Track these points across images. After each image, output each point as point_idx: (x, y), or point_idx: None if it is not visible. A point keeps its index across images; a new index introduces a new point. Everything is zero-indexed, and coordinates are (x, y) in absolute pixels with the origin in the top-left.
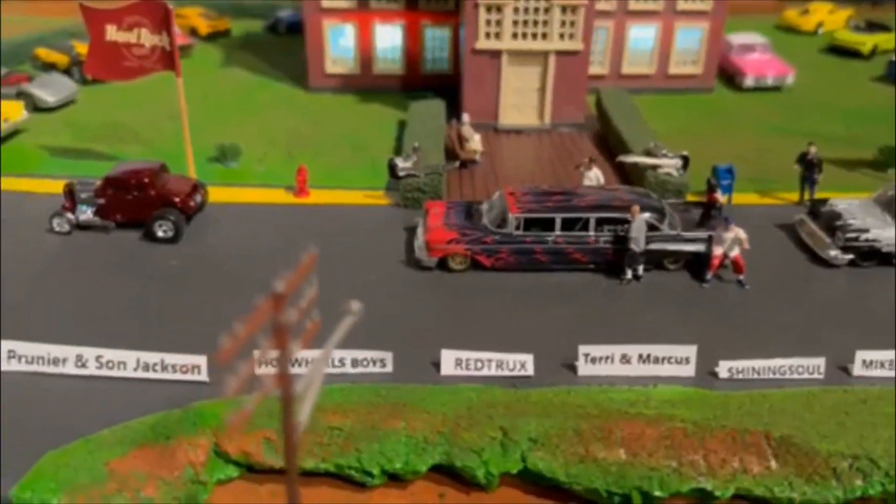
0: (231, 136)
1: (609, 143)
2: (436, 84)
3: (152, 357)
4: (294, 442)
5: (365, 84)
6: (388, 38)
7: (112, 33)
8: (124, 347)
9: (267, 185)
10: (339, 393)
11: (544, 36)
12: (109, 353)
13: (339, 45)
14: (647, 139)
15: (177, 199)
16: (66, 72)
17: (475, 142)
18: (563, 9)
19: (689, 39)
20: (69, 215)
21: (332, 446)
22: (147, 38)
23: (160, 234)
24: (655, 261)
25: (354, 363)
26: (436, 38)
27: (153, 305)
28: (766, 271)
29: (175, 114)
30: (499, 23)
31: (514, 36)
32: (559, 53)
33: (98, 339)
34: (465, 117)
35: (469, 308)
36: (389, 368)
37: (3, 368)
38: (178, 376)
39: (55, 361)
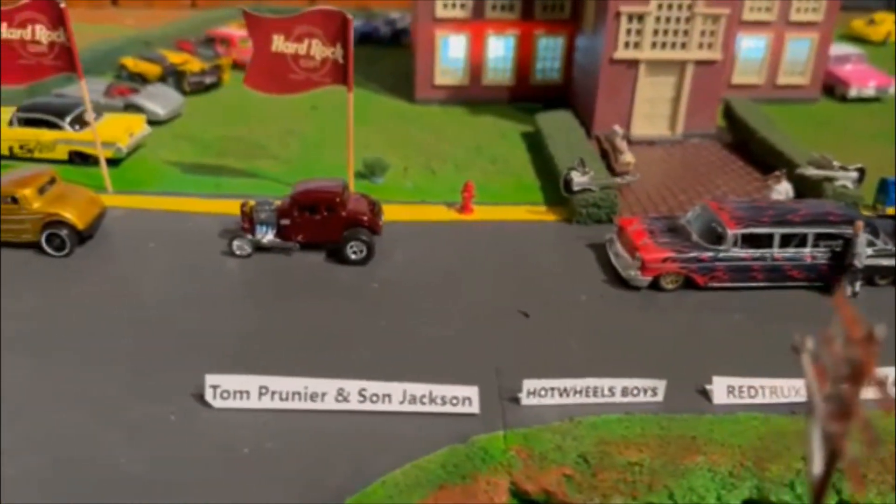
0: (357, 150)
1: (754, 154)
2: (545, 94)
3: (419, 389)
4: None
5: (473, 95)
6: (500, 48)
7: (279, 44)
8: (352, 377)
9: (426, 202)
10: (620, 424)
11: (683, 45)
12: (374, 386)
13: (448, 56)
14: (799, 150)
15: (364, 219)
16: (160, 82)
17: (629, 154)
18: (705, 18)
19: (799, 50)
20: (249, 237)
21: (637, 483)
22: (318, 49)
23: (352, 255)
24: (867, 276)
25: (625, 392)
26: (548, 47)
27: (369, 332)
28: None
29: (292, 130)
30: (639, 32)
31: (654, 45)
32: (697, 63)
33: (323, 370)
34: (618, 129)
35: (703, 329)
36: (660, 398)
37: (256, 406)
38: (448, 409)
39: (314, 396)
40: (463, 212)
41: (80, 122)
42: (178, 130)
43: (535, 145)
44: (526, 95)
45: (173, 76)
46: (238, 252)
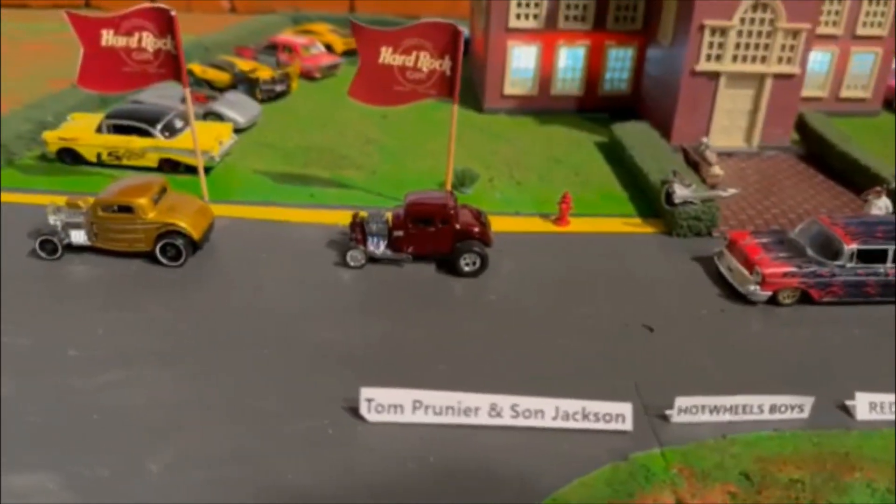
0: (436, 159)
1: (831, 168)
2: (612, 105)
3: (573, 405)
4: None
5: (541, 105)
6: (571, 58)
7: (387, 56)
8: (487, 390)
9: (520, 213)
10: (773, 441)
11: (763, 59)
12: (526, 402)
13: (518, 66)
14: (882, 164)
15: (476, 231)
16: (231, 89)
17: (718, 166)
18: (786, 33)
19: (863, 64)
20: (362, 248)
21: (800, 501)
22: (426, 62)
23: (466, 268)
24: None
25: (773, 409)
26: (618, 58)
27: (496, 345)
28: None
29: (371, 139)
30: (721, 45)
31: (734, 58)
32: (776, 77)
33: (459, 383)
34: (707, 140)
35: (826, 344)
36: (806, 415)
37: (410, 420)
38: (600, 425)
39: (467, 411)
40: (559, 223)
41: (170, 129)
42: (258, 139)
43: (614, 156)
44: (594, 106)
45: (244, 84)
46: (352, 263)
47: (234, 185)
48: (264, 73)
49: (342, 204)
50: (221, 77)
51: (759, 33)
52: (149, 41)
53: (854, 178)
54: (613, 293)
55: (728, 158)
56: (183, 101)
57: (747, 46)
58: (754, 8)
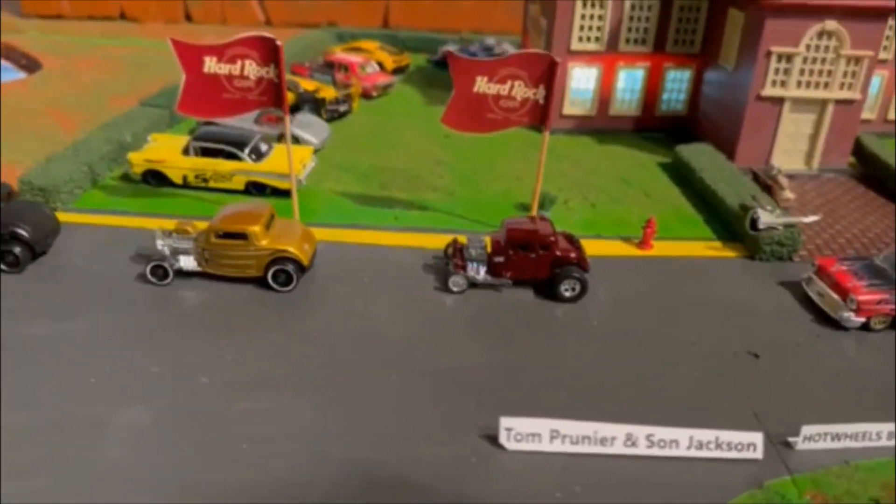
0: (508, 181)
1: (890, 189)
2: (668, 125)
3: (706, 434)
4: None
5: (599, 125)
6: (630, 80)
7: (482, 85)
8: (612, 419)
9: (601, 237)
10: (893, 468)
11: (826, 85)
12: (661, 432)
13: (578, 87)
14: None
15: (574, 256)
16: (295, 109)
17: (789, 191)
18: (849, 59)
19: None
20: (462, 273)
21: None
22: (521, 90)
23: (566, 293)
24: None
25: (889, 436)
26: (675, 79)
27: (609, 372)
28: None
29: (440, 160)
30: (787, 71)
31: (799, 84)
32: (837, 102)
33: (578, 411)
34: (777, 164)
35: None
36: None
37: (547, 449)
38: (732, 454)
39: (603, 441)
40: (643, 247)
41: (256, 152)
42: (331, 160)
43: (680, 177)
44: (650, 126)
45: (309, 104)
46: (455, 289)
47: (318, 207)
48: (328, 93)
49: (427, 227)
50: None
51: (824, 60)
52: (251, 69)
53: None
54: (710, 318)
55: (790, 181)
56: (257, 121)
57: (811, 73)
58: (820, 35)
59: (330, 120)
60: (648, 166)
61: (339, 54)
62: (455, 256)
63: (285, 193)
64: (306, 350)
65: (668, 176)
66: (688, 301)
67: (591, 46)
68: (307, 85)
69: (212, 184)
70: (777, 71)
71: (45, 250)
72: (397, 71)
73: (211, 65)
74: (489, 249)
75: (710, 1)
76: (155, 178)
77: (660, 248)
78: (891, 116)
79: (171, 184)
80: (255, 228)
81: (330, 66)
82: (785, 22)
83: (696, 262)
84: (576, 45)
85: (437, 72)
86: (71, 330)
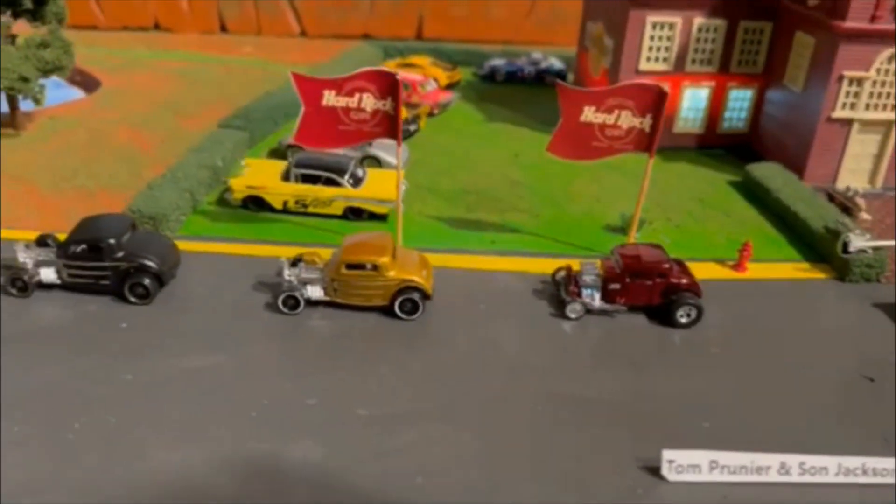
0: (588, 202)
1: None
2: (729, 142)
3: (853, 462)
4: None
5: (663, 142)
6: (694, 98)
7: (589, 115)
8: (754, 447)
9: (696, 259)
10: None
11: (893, 106)
12: (811, 459)
13: None
14: None
15: (688, 283)
16: None
17: (865, 212)
18: None
19: None
20: (579, 300)
21: None
22: (627, 119)
23: (682, 319)
24: None
25: None
26: (738, 98)
27: (741, 398)
28: None
29: (516, 180)
30: (857, 94)
31: (867, 106)
32: None
33: (723, 441)
34: (855, 186)
35: None
36: None
37: (706, 479)
38: (878, 479)
39: (759, 470)
40: (739, 269)
41: (355, 178)
42: (413, 181)
43: (754, 196)
44: (712, 143)
45: None
46: (573, 316)
47: (414, 231)
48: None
49: (524, 250)
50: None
51: (892, 83)
52: (368, 102)
53: None
54: (817, 342)
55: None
56: None
57: (880, 95)
58: (890, 59)
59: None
60: (719, 184)
61: (400, 73)
62: (569, 283)
63: (381, 217)
64: (449, 379)
65: (741, 194)
66: (792, 325)
67: (659, 66)
68: None
69: (311, 209)
70: (847, 94)
71: (169, 281)
72: (450, 86)
73: (329, 98)
74: (602, 275)
75: (775, 23)
76: (254, 204)
77: (753, 270)
78: None
79: (270, 209)
80: (385, 260)
81: None
82: (857, 48)
83: (789, 284)
84: (644, 66)
85: (487, 86)
86: (217, 363)
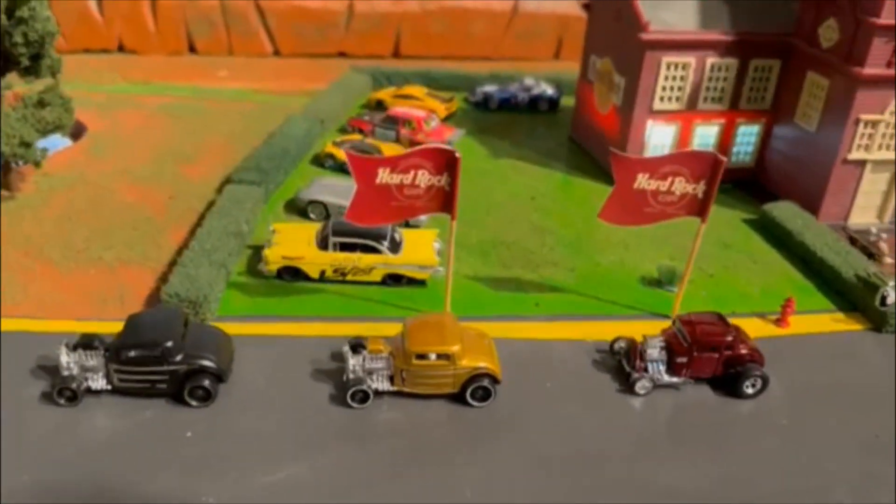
0: (618, 251)
1: None
2: (736, 176)
3: None
4: None
5: None
6: (705, 135)
7: (642, 181)
8: None
9: (736, 314)
10: None
11: None
12: None
13: (657, 144)
14: None
15: (751, 353)
16: None
17: (889, 255)
18: None
19: None
20: (647, 375)
21: None
22: (680, 186)
23: (749, 390)
24: None
25: None
26: (745, 133)
27: (835, 479)
28: None
29: (541, 227)
30: (871, 136)
31: (880, 147)
32: None
33: None
34: (878, 231)
35: None
36: None
37: None
38: None
39: None
40: (781, 325)
41: (393, 244)
42: (443, 237)
43: (772, 236)
44: (721, 177)
45: None
46: (642, 392)
47: (456, 296)
48: None
49: (570, 313)
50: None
51: None
52: (423, 178)
53: None
54: (873, 403)
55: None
56: None
57: (892, 136)
58: None
59: None
60: (737, 225)
61: (399, 108)
62: (634, 357)
63: (419, 282)
64: (535, 474)
65: (760, 235)
66: (845, 385)
67: (673, 106)
68: (386, 149)
69: (350, 277)
70: (862, 136)
71: (228, 378)
72: (448, 117)
73: (384, 175)
74: (673, 349)
75: (785, 61)
76: (289, 274)
77: (794, 323)
78: None
79: (306, 277)
80: (456, 348)
81: (393, 121)
82: (874, 92)
83: (831, 338)
84: (658, 105)
85: (482, 114)
86: (296, 475)
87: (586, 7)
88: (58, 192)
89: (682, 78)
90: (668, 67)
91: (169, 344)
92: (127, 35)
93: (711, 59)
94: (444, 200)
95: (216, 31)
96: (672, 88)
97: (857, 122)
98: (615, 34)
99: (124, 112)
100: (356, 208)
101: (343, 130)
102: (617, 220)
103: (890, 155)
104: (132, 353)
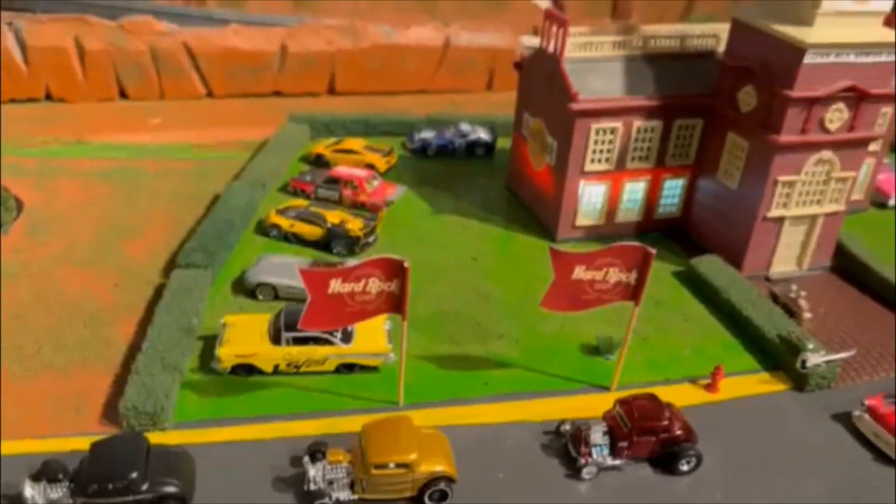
0: (560, 320)
1: (865, 282)
2: (664, 226)
3: None
4: None
5: (606, 231)
6: (633, 191)
7: (579, 273)
8: None
9: (671, 381)
10: None
11: (818, 202)
12: None
13: (589, 201)
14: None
15: (686, 434)
16: (325, 246)
17: (807, 311)
18: (839, 180)
19: (862, 173)
20: (591, 460)
21: None
22: (615, 275)
23: (684, 467)
24: None
25: None
26: (671, 186)
27: None
28: None
29: (485, 293)
30: (788, 195)
31: (797, 203)
32: (826, 214)
33: None
34: (796, 288)
35: None
36: None
37: None
38: None
39: None
40: (711, 390)
41: (345, 333)
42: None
43: (699, 291)
44: (649, 227)
45: (340, 240)
46: (588, 477)
47: (407, 380)
48: (354, 224)
49: (517, 392)
50: (313, 231)
51: (818, 182)
52: (374, 285)
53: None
54: (805, 470)
55: (785, 283)
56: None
57: (808, 193)
58: (816, 163)
59: (360, 254)
60: (667, 280)
61: (342, 168)
62: (579, 443)
63: (373, 369)
64: None
65: (689, 290)
66: (776, 452)
67: (602, 167)
68: (332, 217)
69: (304, 369)
70: (780, 195)
71: (192, 498)
72: (387, 171)
73: (336, 286)
74: (614, 435)
75: (706, 120)
76: (243, 370)
77: (723, 387)
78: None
79: (260, 372)
80: (414, 457)
81: (335, 182)
82: (790, 156)
83: (757, 400)
84: (588, 167)
85: (420, 161)
86: None
87: (517, 66)
88: (4, 286)
89: (610, 141)
90: (598, 132)
91: (134, 475)
92: (54, 83)
93: (638, 123)
94: (395, 303)
95: (147, 76)
96: (602, 151)
97: (776, 183)
98: (546, 95)
99: (59, 181)
100: (310, 317)
101: (285, 190)
102: (558, 308)
103: (807, 210)
104: (97, 487)
